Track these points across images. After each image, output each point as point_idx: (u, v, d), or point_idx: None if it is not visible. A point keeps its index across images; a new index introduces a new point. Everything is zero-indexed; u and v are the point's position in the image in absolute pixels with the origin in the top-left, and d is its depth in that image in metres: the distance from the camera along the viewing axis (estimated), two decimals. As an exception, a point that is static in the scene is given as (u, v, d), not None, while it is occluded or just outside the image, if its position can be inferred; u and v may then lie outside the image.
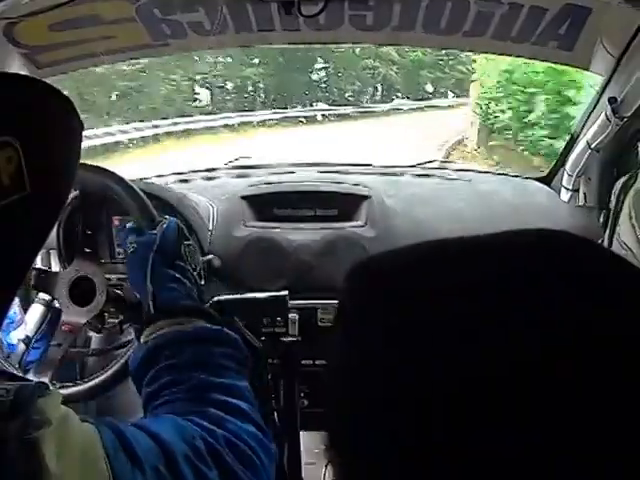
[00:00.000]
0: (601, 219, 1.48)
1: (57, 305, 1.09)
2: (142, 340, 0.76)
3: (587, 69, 1.40)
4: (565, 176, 1.56)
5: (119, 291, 1.10)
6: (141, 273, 0.84)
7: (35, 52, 1.30)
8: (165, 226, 0.90)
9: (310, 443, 1.30)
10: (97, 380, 1.04)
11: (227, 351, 0.72)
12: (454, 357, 0.29)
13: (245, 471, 0.58)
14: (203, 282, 0.95)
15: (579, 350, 0.28)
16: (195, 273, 0.88)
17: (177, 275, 0.84)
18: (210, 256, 1.27)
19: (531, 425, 0.27)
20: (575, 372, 0.27)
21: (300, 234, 1.40)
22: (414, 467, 0.29)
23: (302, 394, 1.34)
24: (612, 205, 1.42)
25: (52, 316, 1.10)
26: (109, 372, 1.04)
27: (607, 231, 1.43)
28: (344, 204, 1.46)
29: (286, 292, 1.26)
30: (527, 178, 1.70)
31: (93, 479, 0.46)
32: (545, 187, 1.62)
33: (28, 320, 1.12)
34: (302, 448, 1.30)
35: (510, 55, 1.48)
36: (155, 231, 0.89)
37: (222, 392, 0.66)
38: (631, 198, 1.33)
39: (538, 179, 1.67)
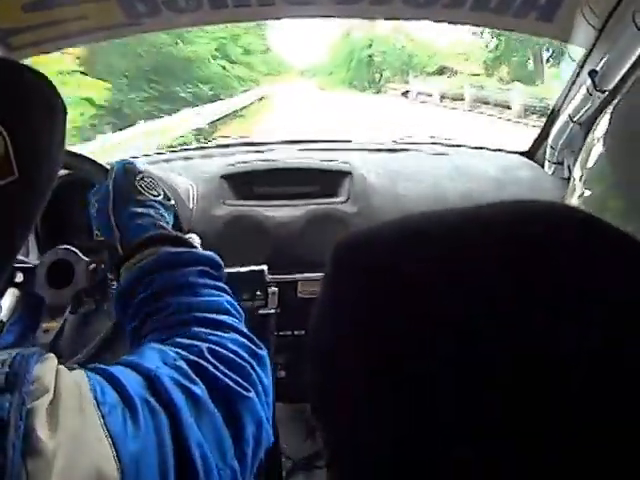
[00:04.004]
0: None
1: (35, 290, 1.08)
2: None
3: (567, 41, 1.38)
4: (548, 149, 1.55)
5: (96, 271, 1.09)
6: (107, 224, 0.83)
7: (8, 34, 1.28)
8: (114, 170, 0.87)
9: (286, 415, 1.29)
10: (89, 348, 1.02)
11: (198, 269, 0.70)
12: (441, 332, 0.28)
13: (232, 376, 0.57)
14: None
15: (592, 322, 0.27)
16: (160, 198, 0.86)
17: (139, 210, 0.82)
18: (190, 235, 1.26)
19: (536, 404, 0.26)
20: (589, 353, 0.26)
21: (281, 211, 1.39)
22: (404, 433, 0.28)
23: (279, 366, 1.34)
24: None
25: (27, 299, 1.09)
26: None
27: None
28: (325, 181, 1.45)
29: (265, 266, 1.25)
30: (509, 152, 1.69)
31: (85, 425, 0.44)
32: (528, 161, 1.61)
33: (3, 305, 1.11)
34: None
35: (489, 27, 1.46)
36: (107, 181, 0.87)
37: (200, 310, 0.65)
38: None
39: (521, 153, 1.66)
